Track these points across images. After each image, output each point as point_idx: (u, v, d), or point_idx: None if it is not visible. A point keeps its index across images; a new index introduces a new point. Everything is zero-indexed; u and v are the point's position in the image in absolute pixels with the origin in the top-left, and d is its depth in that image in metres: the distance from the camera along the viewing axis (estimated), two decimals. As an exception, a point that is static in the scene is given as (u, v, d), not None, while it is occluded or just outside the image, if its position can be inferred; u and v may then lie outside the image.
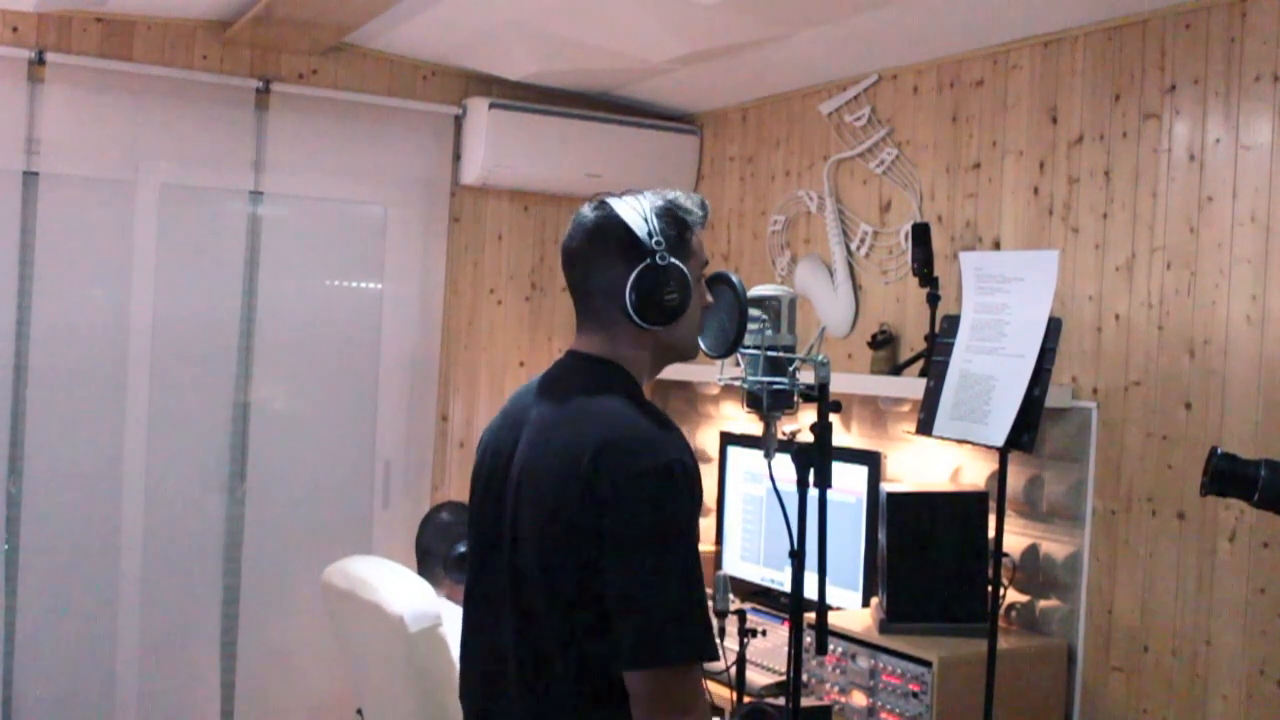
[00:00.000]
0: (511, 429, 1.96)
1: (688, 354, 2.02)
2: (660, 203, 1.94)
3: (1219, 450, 2.29)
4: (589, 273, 1.93)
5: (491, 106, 4.17)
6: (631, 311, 1.88)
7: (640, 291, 1.88)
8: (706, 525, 4.33)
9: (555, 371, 2.00)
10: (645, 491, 1.76)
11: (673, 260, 1.89)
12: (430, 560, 3.28)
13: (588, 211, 1.94)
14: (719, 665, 2.82)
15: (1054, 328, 2.73)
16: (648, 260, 1.88)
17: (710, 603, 2.69)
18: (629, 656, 1.75)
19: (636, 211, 1.91)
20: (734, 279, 2.05)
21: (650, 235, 1.88)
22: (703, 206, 1.98)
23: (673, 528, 1.77)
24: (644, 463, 1.77)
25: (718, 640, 1.84)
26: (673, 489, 1.77)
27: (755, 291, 2.20)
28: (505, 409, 2.05)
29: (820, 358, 2.23)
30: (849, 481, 3.53)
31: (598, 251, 1.91)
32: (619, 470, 1.77)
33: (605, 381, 1.91)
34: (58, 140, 3.73)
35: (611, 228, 1.90)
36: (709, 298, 2.05)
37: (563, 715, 1.84)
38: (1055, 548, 3.16)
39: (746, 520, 3.98)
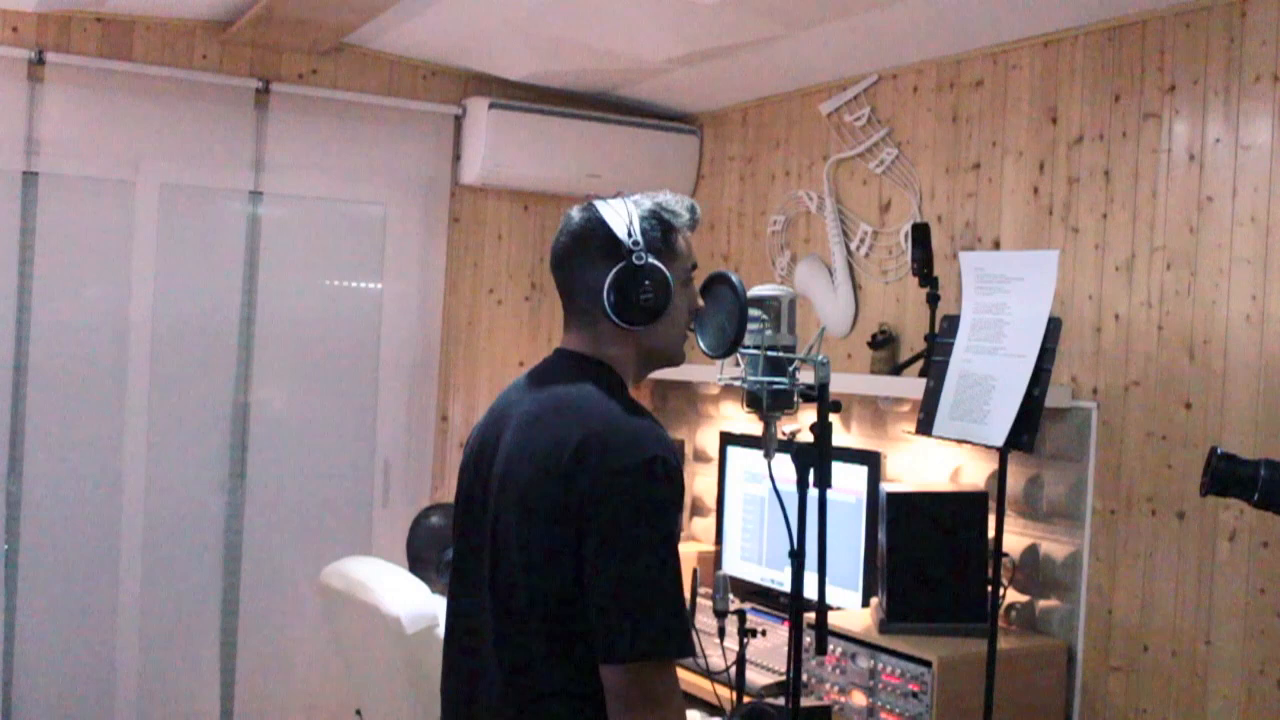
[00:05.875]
0: (496, 425, 1.98)
1: (673, 357, 2.03)
2: (647, 205, 1.96)
3: (1219, 450, 2.29)
4: (573, 273, 1.96)
5: (491, 106, 4.17)
6: (610, 311, 1.91)
7: (618, 291, 1.90)
8: (706, 525, 4.33)
9: (542, 368, 2.02)
10: (626, 487, 1.77)
11: (651, 261, 1.91)
12: (422, 565, 3.27)
13: (575, 213, 1.98)
14: (719, 665, 2.82)
15: (1054, 328, 2.73)
16: (625, 260, 1.90)
17: (710, 602, 2.71)
18: (606, 650, 1.76)
19: (620, 213, 1.93)
20: (733, 279, 2.05)
21: (630, 235, 1.90)
22: (692, 210, 2.00)
23: (653, 524, 1.78)
24: (625, 459, 1.78)
25: (694, 637, 1.85)
26: (653, 485, 1.79)
27: (755, 291, 2.21)
28: (493, 406, 2.06)
29: (820, 358, 2.23)
30: (849, 481, 3.53)
31: (581, 252, 1.94)
32: (600, 466, 1.78)
33: (590, 378, 1.92)
34: (58, 140, 3.73)
35: (594, 228, 1.93)
36: (699, 301, 2.06)
37: (543, 713, 1.84)
38: (1055, 548, 3.16)
39: (746, 520, 3.98)
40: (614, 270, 1.90)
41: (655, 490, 1.79)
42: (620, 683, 1.76)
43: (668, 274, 1.92)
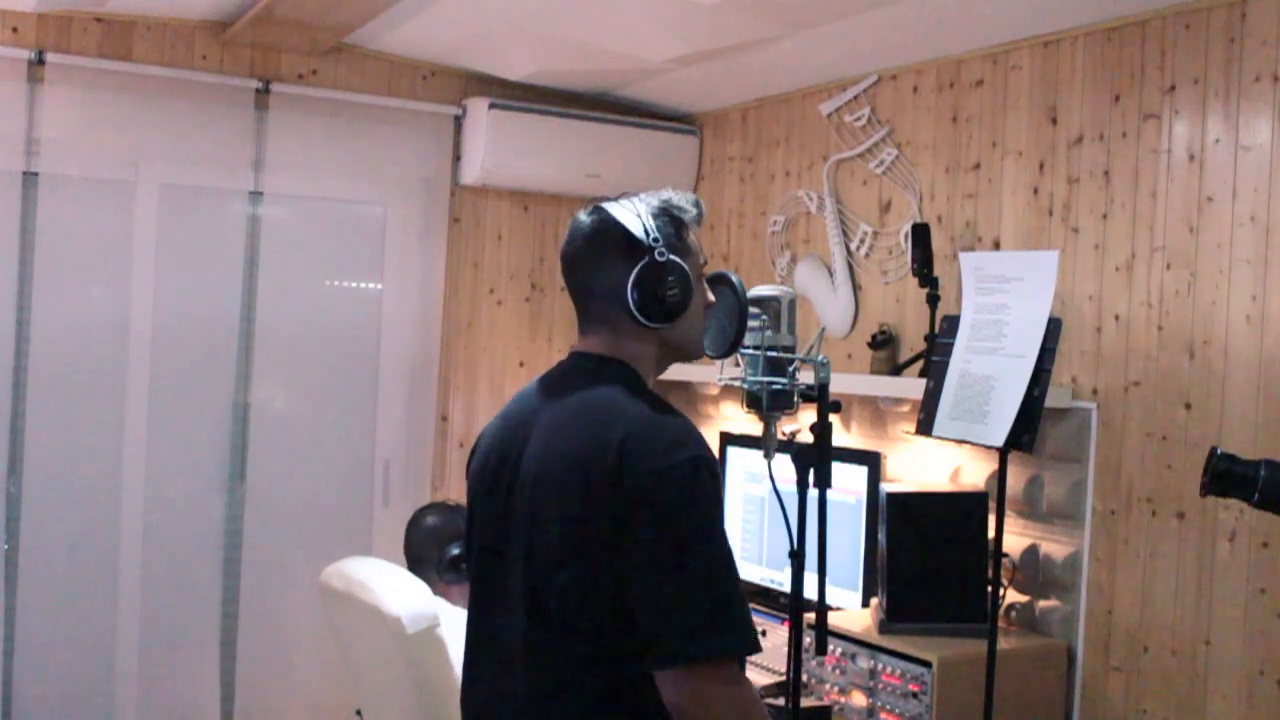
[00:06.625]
0: (517, 430, 1.95)
1: (692, 352, 2.02)
2: (655, 202, 1.96)
3: (1219, 450, 2.29)
4: (590, 275, 1.94)
5: (491, 106, 4.17)
6: (635, 310, 1.89)
7: (642, 289, 1.89)
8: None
9: (560, 371, 2.00)
10: (671, 487, 1.75)
11: (672, 257, 1.90)
12: (423, 565, 3.26)
13: (584, 216, 1.96)
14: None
15: (1054, 328, 2.73)
16: (647, 258, 1.89)
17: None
18: (670, 654, 1.72)
19: (632, 212, 1.92)
20: (734, 279, 2.05)
21: (648, 233, 1.90)
22: (697, 205, 2.00)
23: (702, 522, 1.77)
24: (669, 459, 1.76)
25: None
26: (699, 484, 1.77)
27: (755, 291, 2.21)
28: (506, 411, 2.04)
29: (820, 358, 2.23)
30: (849, 481, 3.53)
31: (597, 254, 1.93)
32: (643, 467, 1.75)
33: (614, 378, 1.90)
34: (58, 140, 3.73)
35: (609, 229, 1.92)
36: (711, 296, 2.05)
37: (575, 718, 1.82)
38: (1055, 548, 3.16)
39: (746, 520, 3.98)
40: (636, 269, 1.88)
41: (701, 489, 1.77)
42: (683, 688, 1.72)
43: (688, 270, 1.92)
